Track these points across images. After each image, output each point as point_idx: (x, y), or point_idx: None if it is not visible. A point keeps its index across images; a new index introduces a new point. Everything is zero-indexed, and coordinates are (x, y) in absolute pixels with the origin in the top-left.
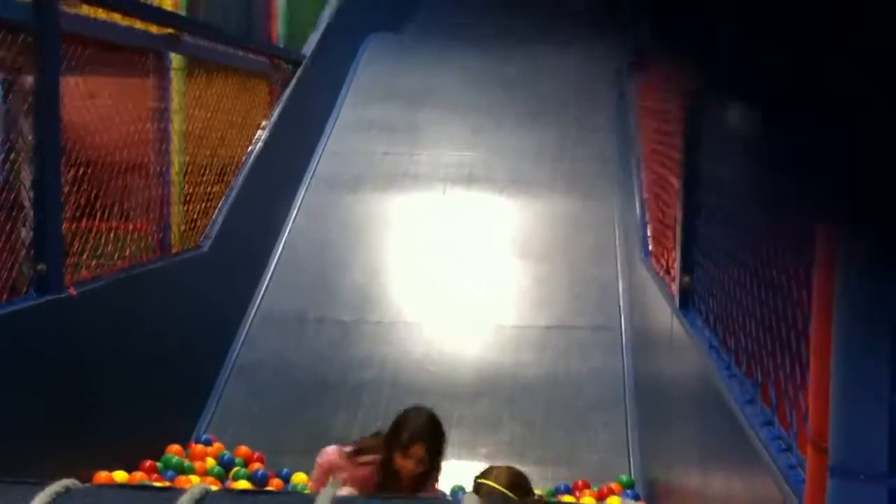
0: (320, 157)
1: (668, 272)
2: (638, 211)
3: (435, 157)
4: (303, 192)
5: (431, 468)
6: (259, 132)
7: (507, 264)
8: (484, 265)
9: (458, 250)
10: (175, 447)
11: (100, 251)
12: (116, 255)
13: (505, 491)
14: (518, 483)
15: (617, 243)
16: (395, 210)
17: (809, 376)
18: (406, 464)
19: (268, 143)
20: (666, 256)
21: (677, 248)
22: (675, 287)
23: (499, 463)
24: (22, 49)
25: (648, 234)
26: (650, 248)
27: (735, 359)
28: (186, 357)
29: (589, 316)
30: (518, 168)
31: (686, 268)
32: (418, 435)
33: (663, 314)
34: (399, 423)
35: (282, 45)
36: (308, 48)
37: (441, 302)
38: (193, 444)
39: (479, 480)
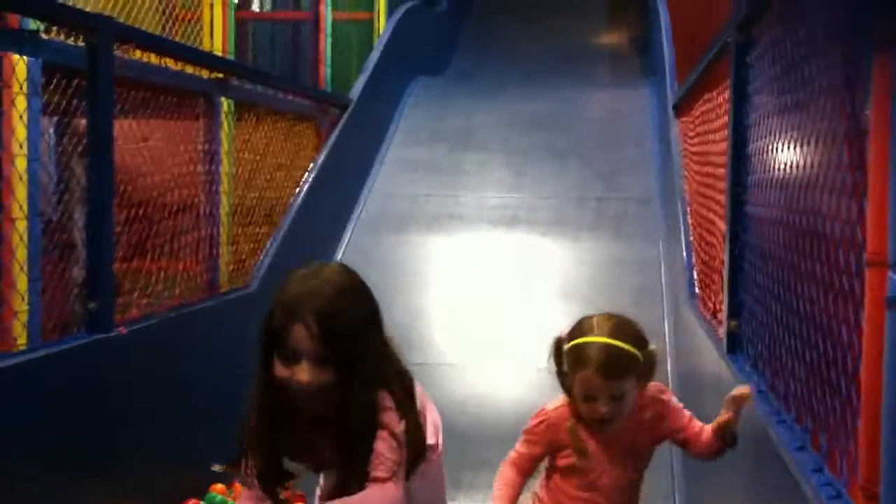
0: (366, 199)
1: (714, 315)
2: (684, 253)
3: (479, 200)
4: (349, 234)
5: (347, 382)
6: (306, 174)
7: (550, 307)
8: (527, 307)
9: (501, 292)
10: (219, 486)
11: (149, 290)
12: (166, 295)
13: (616, 342)
14: (632, 333)
15: (663, 286)
16: (438, 251)
17: (860, 422)
18: (297, 375)
19: (314, 185)
20: (713, 300)
21: (724, 291)
22: (722, 331)
23: None
24: (76, 92)
25: (695, 276)
26: (696, 290)
27: (785, 405)
28: (232, 396)
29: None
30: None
31: (733, 311)
32: (297, 310)
33: (710, 358)
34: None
35: (329, 89)
36: (355, 92)
37: (484, 344)
38: (237, 484)
39: (575, 343)
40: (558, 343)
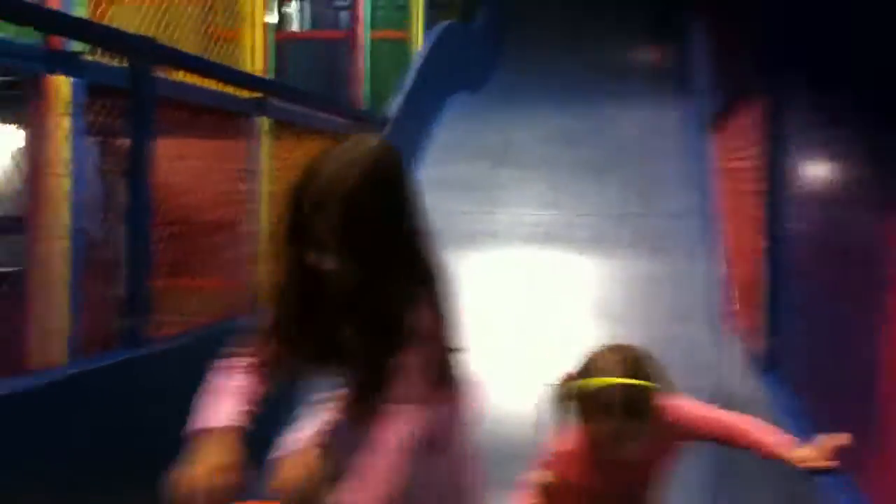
0: None
1: (752, 333)
2: (721, 270)
3: (515, 217)
4: None
5: (375, 274)
6: None
7: (586, 324)
8: (562, 325)
9: (535, 309)
10: None
11: (187, 307)
12: (202, 312)
13: (636, 382)
14: (646, 368)
15: (700, 303)
16: (473, 268)
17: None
18: (322, 263)
19: None
20: (751, 317)
21: (762, 308)
22: (760, 349)
23: None
24: (118, 113)
25: (732, 293)
26: (734, 307)
27: (819, 422)
28: (268, 412)
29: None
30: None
31: (771, 329)
32: (322, 199)
33: (748, 376)
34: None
35: (366, 108)
36: (392, 110)
37: (515, 361)
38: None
39: (590, 384)
40: (566, 383)
